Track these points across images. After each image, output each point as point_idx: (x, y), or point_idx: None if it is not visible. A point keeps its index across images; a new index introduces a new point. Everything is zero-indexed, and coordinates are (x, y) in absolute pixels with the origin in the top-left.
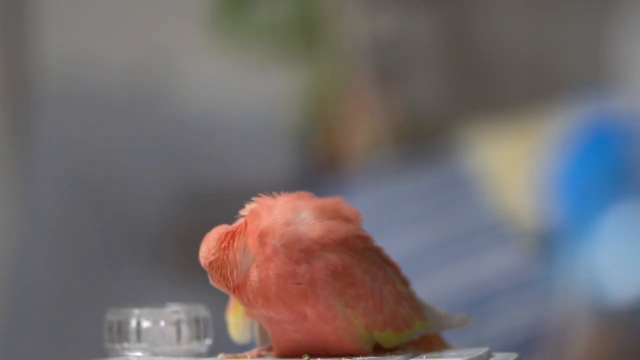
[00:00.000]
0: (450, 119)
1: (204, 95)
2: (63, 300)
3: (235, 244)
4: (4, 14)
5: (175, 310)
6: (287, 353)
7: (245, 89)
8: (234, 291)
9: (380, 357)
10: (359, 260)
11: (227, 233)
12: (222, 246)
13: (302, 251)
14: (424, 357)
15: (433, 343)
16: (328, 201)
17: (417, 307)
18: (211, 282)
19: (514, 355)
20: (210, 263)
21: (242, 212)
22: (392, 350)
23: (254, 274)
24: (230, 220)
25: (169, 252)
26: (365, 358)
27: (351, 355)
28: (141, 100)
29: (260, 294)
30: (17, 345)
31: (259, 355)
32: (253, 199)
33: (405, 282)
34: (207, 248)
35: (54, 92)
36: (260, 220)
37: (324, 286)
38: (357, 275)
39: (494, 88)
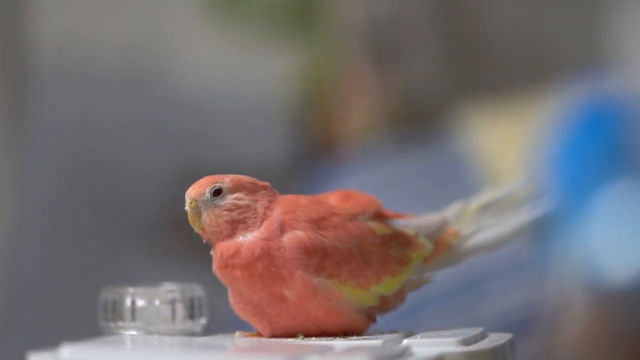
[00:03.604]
0: (447, 100)
1: (201, 75)
2: (58, 279)
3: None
4: None
5: (170, 290)
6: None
7: (243, 70)
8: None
9: (375, 336)
10: (325, 233)
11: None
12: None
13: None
14: (419, 336)
15: (439, 249)
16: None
17: (407, 241)
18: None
19: (508, 335)
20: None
21: None
22: (400, 298)
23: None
24: None
25: (164, 232)
26: (360, 337)
27: (348, 329)
28: (138, 81)
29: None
30: (12, 324)
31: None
32: None
33: (384, 224)
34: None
35: (49, 72)
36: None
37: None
38: (328, 244)
39: (490, 70)
